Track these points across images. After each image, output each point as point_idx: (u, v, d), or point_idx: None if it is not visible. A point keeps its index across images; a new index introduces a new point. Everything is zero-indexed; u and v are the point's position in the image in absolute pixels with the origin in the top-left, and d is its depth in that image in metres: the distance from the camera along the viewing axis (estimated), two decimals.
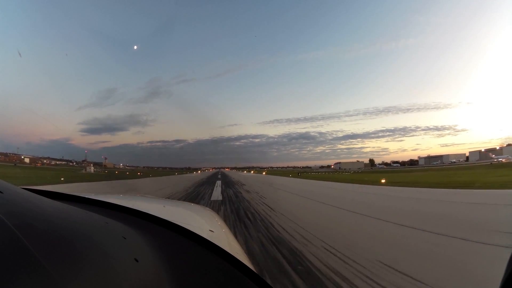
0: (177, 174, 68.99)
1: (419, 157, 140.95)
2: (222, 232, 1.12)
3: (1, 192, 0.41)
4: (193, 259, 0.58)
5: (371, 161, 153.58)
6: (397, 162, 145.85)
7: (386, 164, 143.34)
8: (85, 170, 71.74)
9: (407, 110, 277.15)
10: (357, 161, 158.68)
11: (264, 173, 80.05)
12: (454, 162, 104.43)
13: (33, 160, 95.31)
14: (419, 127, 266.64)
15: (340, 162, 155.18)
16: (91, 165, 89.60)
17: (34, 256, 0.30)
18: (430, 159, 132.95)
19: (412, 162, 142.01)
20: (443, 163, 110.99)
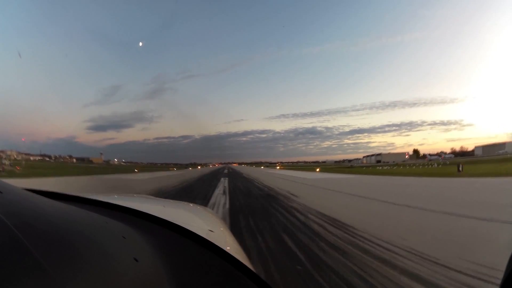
0: (143, 171, 44.56)
1: (475, 146, 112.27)
2: (221, 232, 1.12)
3: (1, 192, 0.40)
4: (193, 259, 0.57)
5: (416, 152, 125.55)
6: (449, 153, 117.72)
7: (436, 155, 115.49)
8: None
9: (414, 104, 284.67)
10: (389, 153, 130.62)
11: (318, 170, 43.21)
12: None
13: None
14: (425, 122, 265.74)
15: (380, 154, 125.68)
16: None
17: (34, 256, 0.30)
18: (490, 148, 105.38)
19: (463, 153, 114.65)
20: (507, 152, 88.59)
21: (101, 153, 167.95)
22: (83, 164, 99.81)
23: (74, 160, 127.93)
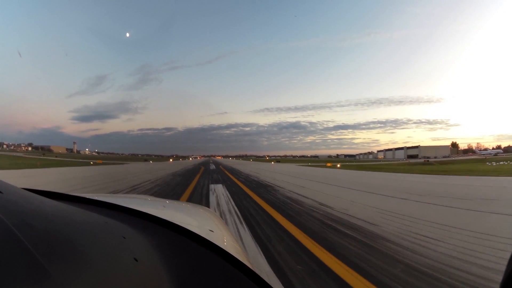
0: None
1: None
2: (221, 232, 1.11)
3: (1, 192, 0.40)
4: (193, 259, 0.57)
5: (455, 145, 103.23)
6: (496, 148, 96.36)
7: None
8: None
9: (399, 102, 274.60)
10: (429, 145, 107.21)
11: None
12: None
13: None
14: (411, 120, 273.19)
15: (418, 147, 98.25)
16: None
17: (34, 256, 0.30)
18: None
19: (507, 149, 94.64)
20: None
21: (74, 142, 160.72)
22: (35, 154, 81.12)
23: (30, 148, 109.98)
